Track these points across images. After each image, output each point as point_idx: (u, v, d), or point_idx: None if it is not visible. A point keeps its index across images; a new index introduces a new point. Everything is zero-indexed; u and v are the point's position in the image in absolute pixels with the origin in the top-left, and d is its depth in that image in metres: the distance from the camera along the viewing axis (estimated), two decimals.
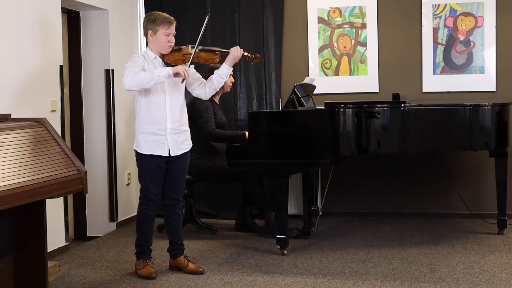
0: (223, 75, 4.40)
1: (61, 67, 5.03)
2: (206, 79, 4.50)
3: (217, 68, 5.55)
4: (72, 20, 5.71)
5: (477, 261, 4.60)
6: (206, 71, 5.13)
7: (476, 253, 4.82)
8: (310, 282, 4.19)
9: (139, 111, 4.33)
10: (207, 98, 4.59)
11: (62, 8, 5.15)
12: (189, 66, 4.27)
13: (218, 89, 4.50)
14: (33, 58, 4.67)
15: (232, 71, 5.64)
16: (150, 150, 4.31)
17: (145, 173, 4.39)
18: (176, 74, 4.15)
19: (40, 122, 3.84)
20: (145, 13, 5.99)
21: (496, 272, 4.32)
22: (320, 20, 6.23)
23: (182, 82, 4.29)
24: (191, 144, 4.50)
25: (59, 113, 5.01)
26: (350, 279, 4.24)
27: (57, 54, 5.00)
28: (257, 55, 4.53)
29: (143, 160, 4.35)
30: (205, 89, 4.44)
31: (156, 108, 4.28)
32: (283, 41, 6.28)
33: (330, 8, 6.22)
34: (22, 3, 4.57)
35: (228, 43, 6.17)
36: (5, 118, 3.83)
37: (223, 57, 4.41)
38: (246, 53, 4.44)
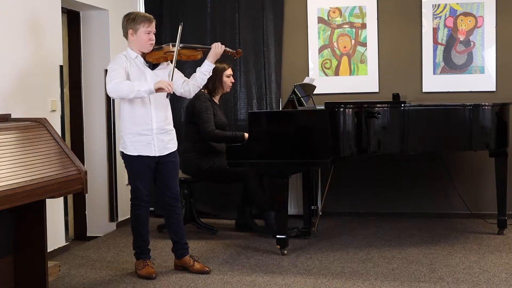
0: (205, 72, 4.36)
1: (61, 67, 5.03)
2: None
3: (221, 68, 5.53)
4: (72, 20, 5.71)
5: (477, 261, 4.60)
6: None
7: (476, 253, 4.82)
8: (310, 282, 4.19)
9: (124, 112, 4.31)
10: (191, 97, 4.52)
11: (62, 8, 5.14)
12: (174, 66, 4.20)
13: (201, 87, 4.46)
14: (33, 58, 4.67)
15: (232, 71, 5.67)
16: (137, 150, 4.29)
17: (134, 175, 4.36)
18: (159, 90, 4.08)
19: (40, 122, 3.84)
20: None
21: (496, 272, 4.32)
22: (320, 20, 6.23)
23: (167, 97, 4.24)
24: (177, 143, 4.48)
25: (59, 113, 5.01)
26: (350, 279, 4.24)
27: (57, 54, 4.99)
28: (239, 50, 4.56)
29: (131, 161, 4.33)
30: (188, 87, 4.39)
31: (141, 108, 4.25)
32: (283, 41, 6.28)
33: (330, 8, 6.22)
34: (22, 3, 4.56)
35: (228, 43, 6.15)
36: (5, 118, 3.84)
37: (205, 54, 4.39)
38: (227, 49, 4.43)
